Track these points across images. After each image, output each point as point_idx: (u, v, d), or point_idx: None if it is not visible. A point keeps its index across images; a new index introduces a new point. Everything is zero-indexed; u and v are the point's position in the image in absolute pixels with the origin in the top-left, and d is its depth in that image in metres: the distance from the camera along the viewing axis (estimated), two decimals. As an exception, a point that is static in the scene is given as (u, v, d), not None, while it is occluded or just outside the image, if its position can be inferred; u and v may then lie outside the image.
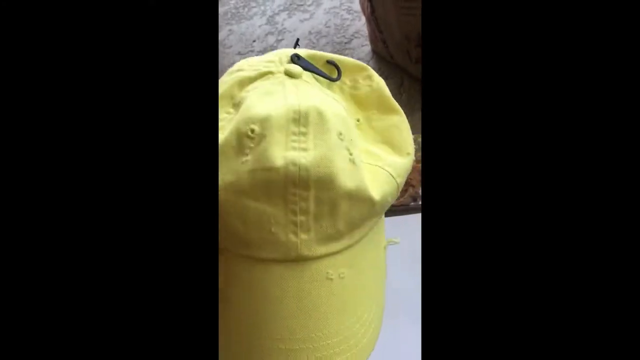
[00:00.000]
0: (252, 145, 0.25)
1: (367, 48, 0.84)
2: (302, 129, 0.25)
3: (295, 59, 0.30)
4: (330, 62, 0.31)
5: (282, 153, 0.24)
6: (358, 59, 0.92)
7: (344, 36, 0.89)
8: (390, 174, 0.28)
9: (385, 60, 0.80)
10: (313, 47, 0.90)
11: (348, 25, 0.91)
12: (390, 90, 0.34)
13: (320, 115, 0.26)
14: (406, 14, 0.64)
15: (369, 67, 0.32)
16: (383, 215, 0.32)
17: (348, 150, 0.26)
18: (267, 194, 0.25)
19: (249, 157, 0.25)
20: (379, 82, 0.32)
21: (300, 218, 0.25)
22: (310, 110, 0.26)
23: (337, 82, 0.32)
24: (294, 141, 0.25)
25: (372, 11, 0.71)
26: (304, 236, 0.25)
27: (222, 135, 0.26)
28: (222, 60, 0.99)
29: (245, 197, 0.25)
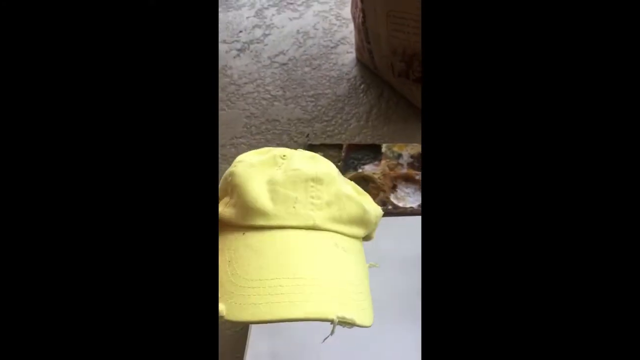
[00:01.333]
0: (283, 162, 0.38)
1: (352, 55, 0.87)
2: (316, 162, 0.39)
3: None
4: None
5: (304, 165, 0.37)
6: (342, 65, 0.94)
7: (330, 40, 0.92)
8: (374, 213, 0.41)
9: (368, 69, 0.84)
10: (299, 47, 0.92)
11: (335, 31, 0.93)
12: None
13: (326, 161, 0.41)
14: (396, 30, 0.68)
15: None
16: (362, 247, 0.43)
17: (344, 180, 0.40)
18: (293, 184, 0.36)
19: (280, 168, 0.38)
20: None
21: (316, 201, 0.36)
22: (319, 157, 0.41)
23: None
24: (310, 164, 0.38)
25: (363, 21, 0.74)
26: (319, 213, 0.36)
27: (262, 157, 0.39)
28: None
29: (277, 185, 0.36)
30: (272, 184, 0.35)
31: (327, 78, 0.85)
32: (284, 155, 0.39)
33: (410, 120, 0.74)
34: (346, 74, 0.85)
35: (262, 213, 0.34)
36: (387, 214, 0.63)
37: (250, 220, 0.34)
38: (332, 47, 0.90)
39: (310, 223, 0.35)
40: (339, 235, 0.36)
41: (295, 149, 0.43)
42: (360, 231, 0.39)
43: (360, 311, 0.32)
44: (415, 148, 0.68)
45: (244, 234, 0.34)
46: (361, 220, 0.38)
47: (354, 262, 0.36)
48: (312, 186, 0.36)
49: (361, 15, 0.74)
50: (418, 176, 0.65)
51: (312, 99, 0.81)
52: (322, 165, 0.38)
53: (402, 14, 0.65)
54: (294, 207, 0.34)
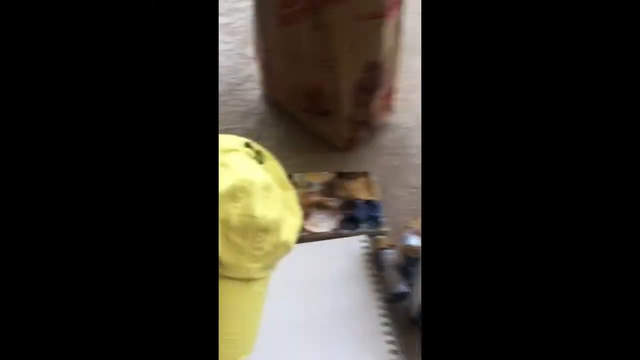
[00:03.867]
0: (242, 197, 0.37)
1: (259, 92, 0.91)
2: (269, 194, 0.40)
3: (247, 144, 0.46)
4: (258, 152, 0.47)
5: (260, 209, 0.38)
6: (249, 101, 0.97)
7: (236, 78, 0.94)
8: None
9: (275, 104, 0.88)
10: (205, 84, 0.93)
11: (241, 69, 0.96)
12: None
13: (274, 187, 0.42)
14: (296, 70, 0.73)
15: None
16: None
17: (284, 203, 0.42)
18: (244, 232, 0.37)
19: (238, 204, 0.37)
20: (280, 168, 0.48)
21: (258, 252, 0.38)
22: (271, 183, 0.41)
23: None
24: (265, 202, 0.39)
25: (267, 60, 0.79)
26: (255, 265, 0.38)
27: (223, 185, 0.38)
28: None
29: (230, 231, 0.36)
30: (226, 227, 0.36)
31: (235, 113, 0.87)
32: (243, 188, 0.37)
33: (318, 151, 0.79)
34: (253, 109, 0.87)
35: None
36: (303, 240, 0.66)
37: None
38: (237, 84, 0.93)
39: (245, 276, 0.38)
40: (263, 280, 0.40)
41: None
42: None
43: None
44: (325, 176, 0.73)
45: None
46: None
47: (259, 303, 0.40)
48: (259, 237, 0.38)
49: (263, 54, 0.79)
50: (329, 202, 0.69)
51: (222, 133, 0.82)
52: (272, 207, 0.39)
53: (301, 53, 0.71)
54: (237, 259, 0.37)
